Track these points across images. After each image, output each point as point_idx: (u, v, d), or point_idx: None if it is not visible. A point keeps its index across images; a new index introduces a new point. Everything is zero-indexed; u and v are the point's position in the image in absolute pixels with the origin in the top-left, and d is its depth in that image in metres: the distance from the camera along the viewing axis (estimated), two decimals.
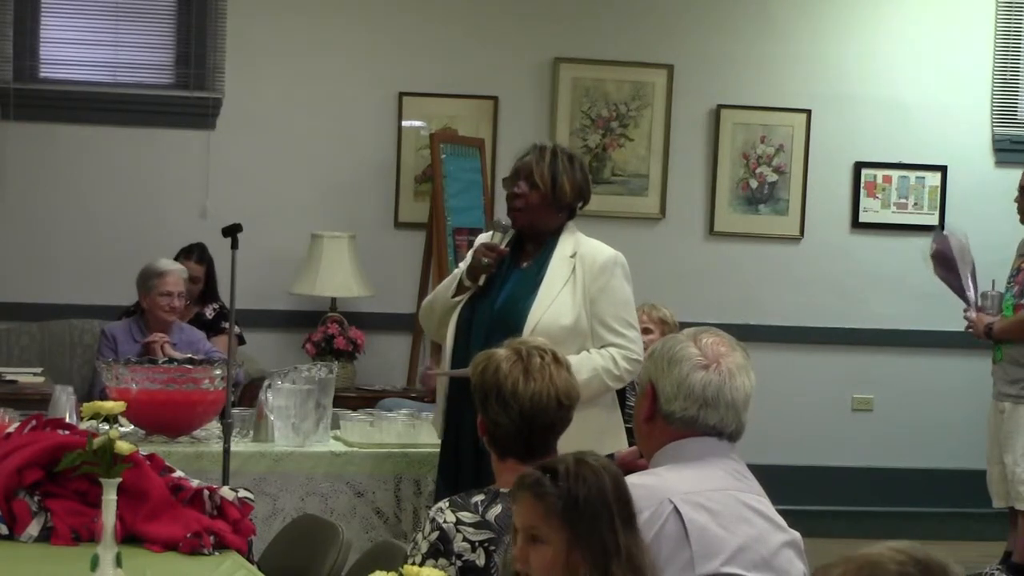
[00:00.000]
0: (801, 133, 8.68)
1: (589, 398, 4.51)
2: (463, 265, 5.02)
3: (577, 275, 4.82)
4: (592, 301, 4.81)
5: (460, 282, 4.97)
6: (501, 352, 3.35)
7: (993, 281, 7.00)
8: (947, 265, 7.09)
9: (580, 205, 4.96)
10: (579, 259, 4.84)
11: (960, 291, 7.04)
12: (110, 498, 3.16)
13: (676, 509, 2.82)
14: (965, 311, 7.01)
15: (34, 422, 4.03)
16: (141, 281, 6.87)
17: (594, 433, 4.60)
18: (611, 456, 4.69)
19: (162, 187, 8.10)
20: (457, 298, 4.96)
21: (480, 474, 4.59)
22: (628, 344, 4.80)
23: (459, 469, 4.81)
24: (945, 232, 7.26)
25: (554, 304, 4.78)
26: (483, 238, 5.05)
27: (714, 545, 2.83)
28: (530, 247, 4.94)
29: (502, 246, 4.93)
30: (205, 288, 7.50)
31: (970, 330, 7.01)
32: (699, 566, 2.80)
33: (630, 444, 4.96)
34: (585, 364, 4.67)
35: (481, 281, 4.93)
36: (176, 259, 7.39)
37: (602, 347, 4.79)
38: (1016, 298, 6.82)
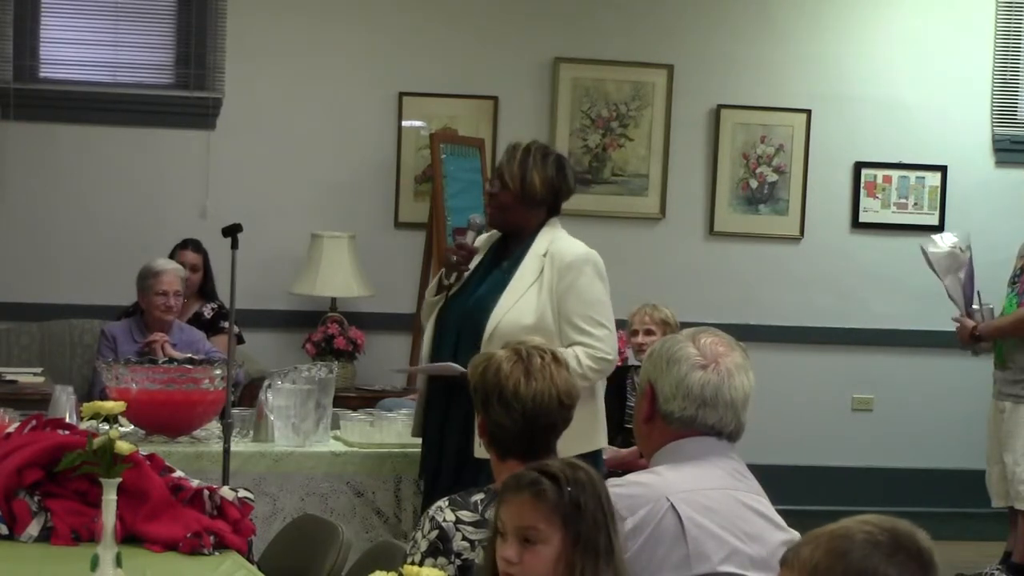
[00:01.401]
0: (801, 133, 8.67)
1: None
2: None
3: (545, 274, 4.80)
4: (559, 300, 4.77)
5: (440, 281, 5.00)
6: (501, 353, 3.34)
7: (978, 293, 6.97)
8: (942, 269, 7.07)
9: (555, 200, 4.90)
10: (549, 257, 4.82)
11: (954, 297, 7.02)
12: (110, 498, 3.16)
13: (673, 507, 2.82)
14: (958, 317, 7.00)
15: (34, 422, 4.03)
16: (139, 281, 6.87)
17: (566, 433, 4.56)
18: (591, 456, 4.64)
19: (162, 187, 8.10)
20: (437, 297, 4.98)
21: (461, 473, 4.60)
22: (595, 343, 4.75)
23: (439, 468, 4.82)
24: (936, 238, 7.24)
25: (518, 304, 4.77)
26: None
27: (711, 544, 2.83)
28: (512, 246, 4.94)
29: (471, 244, 4.95)
30: (204, 281, 7.47)
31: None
32: (695, 565, 2.80)
33: (612, 444, 4.97)
34: None
35: (452, 279, 4.95)
36: (173, 252, 7.41)
37: (569, 346, 4.76)
38: (1020, 296, 6.82)
